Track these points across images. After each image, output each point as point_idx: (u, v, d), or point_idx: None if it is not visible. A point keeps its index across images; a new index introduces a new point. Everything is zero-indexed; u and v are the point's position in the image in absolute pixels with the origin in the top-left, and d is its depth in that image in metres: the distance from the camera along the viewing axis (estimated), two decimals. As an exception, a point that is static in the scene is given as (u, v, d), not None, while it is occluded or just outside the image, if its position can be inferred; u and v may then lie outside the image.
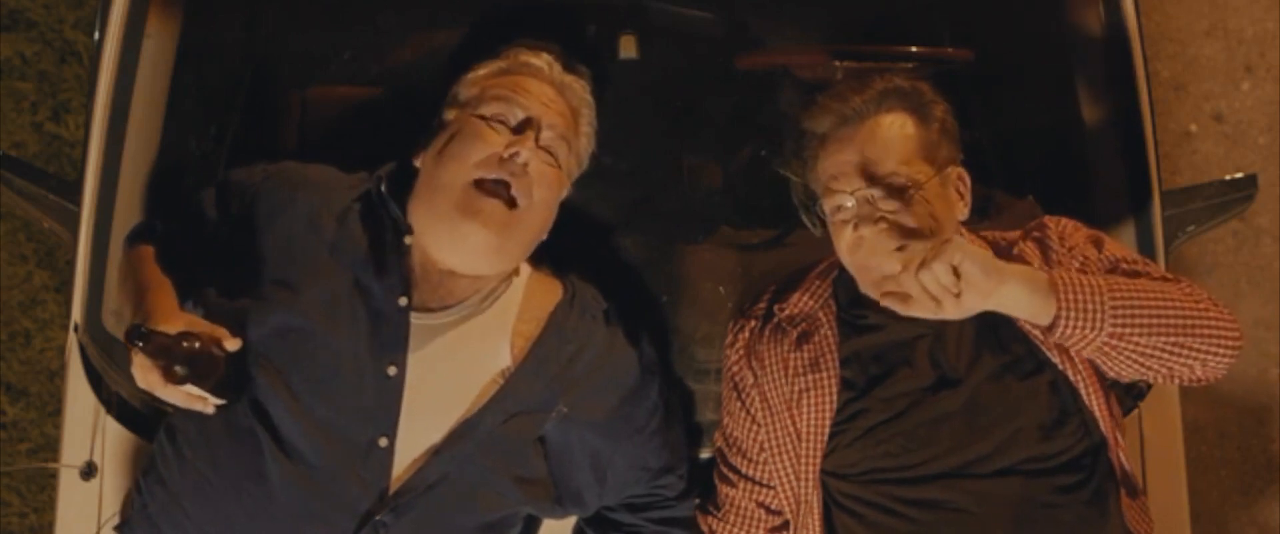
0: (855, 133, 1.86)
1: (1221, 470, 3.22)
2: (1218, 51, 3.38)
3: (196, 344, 1.66)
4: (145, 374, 1.67)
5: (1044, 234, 1.93)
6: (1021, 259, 1.91)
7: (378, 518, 1.80)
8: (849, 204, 1.85)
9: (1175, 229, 2.21)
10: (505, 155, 1.80)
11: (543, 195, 1.85)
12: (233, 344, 1.72)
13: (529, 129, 1.84)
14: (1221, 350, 1.76)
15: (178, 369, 1.64)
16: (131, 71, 2.10)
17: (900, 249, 1.80)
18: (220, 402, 1.73)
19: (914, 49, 2.16)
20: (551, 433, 1.91)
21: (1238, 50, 3.39)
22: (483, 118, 1.85)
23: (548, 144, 1.86)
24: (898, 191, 1.83)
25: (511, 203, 1.81)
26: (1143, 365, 1.76)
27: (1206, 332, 1.75)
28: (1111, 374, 1.84)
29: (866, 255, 1.83)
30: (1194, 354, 1.75)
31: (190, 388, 1.68)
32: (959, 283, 1.68)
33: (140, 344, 1.63)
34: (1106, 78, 2.16)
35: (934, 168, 1.86)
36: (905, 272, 1.71)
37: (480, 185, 1.80)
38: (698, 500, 2.08)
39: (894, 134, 1.86)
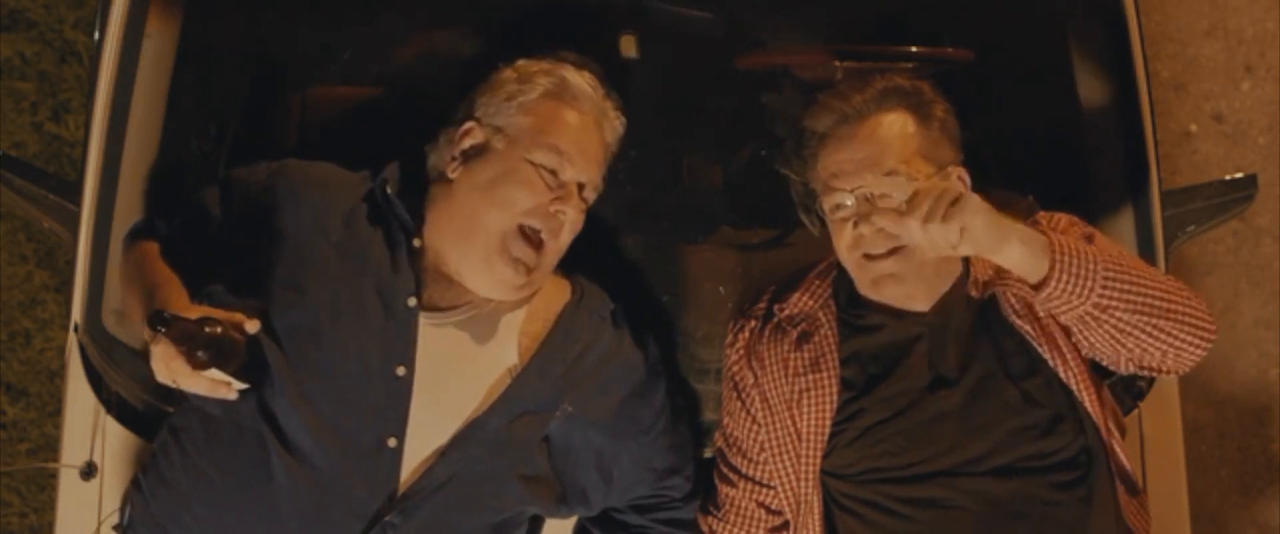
0: (855, 131, 1.87)
1: (1221, 470, 3.22)
2: (1218, 51, 3.38)
3: (218, 329, 1.67)
4: (168, 363, 1.66)
5: (1036, 228, 1.93)
6: None
7: (386, 519, 1.80)
8: (849, 202, 1.85)
9: (1175, 229, 2.21)
10: (552, 210, 1.83)
11: (568, 236, 1.89)
12: (253, 326, 1.72)
13: (574, 186, 1.86)
14: (1196, 342, 1.78)
15: (201, 354, 1.65)
16: (131, 71, 2.10)
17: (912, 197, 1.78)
18: (243, 386, 1.73)
19: (914, 49, 2.16)
20: (557, 432, 1.91)
21: (1238, 50, 3.39)
22: (534, 165, 1.85)
23: (586, 196, 1.89)
24: (898, 190, 1.83)
25: (541, 246, 1.85)
26: (1118, 342, 1.78)
27: (1186, 320, 1.77)
28: (1085, 347, 1.85)
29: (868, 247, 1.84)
30: (1169, 340, 1.76)
31: (214, 373, 1.68)
32: (963, 239, 1.69)
33: (163, 329, 1.63)
34: (1106, 77, 2.16)
35: (934, 167, 1.86)
36: (911, 216, 1.70)
37: (520, 232, 1.83)
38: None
39: (894, 133, 1.86)
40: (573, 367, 1.90)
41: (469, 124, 1.90)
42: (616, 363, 1.95)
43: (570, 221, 1.86)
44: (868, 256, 1.86)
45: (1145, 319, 1.74)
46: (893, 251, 1.84)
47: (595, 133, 1.90)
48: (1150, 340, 1.77)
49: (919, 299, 1.90)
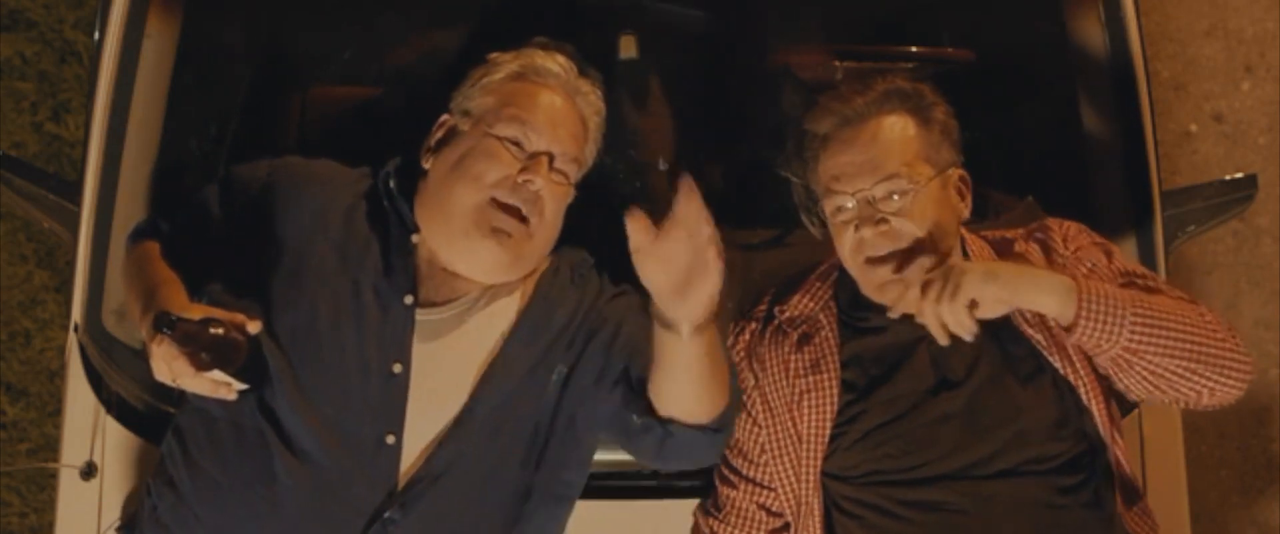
0: (857, 134, 1.87)
1: (1221, 470, 3.22)
2: (1218, 51, 3.38)
3: (220, 330, 1.68)
4: (170, 364, 1.67)
5: (1047, 235, 1.93)
6: (1023, 259, 1.91)
7: (386, 515, 1.80)
8: (850, 205, 1.85)
9: (1175, 229, 2.21)
10: (519, 181, 1.82)
11: (553, 212, 1.87)
12: (254, 327, 1.72)
13: (542, 156, 1.84)
14: (1233, 382, 1.77)
15: (204, 355, 1.66)
16: (131, 71, 2.10)
17: (897, 269, 1.81)
18: (243, 386, 1.74)
19: (914, 49, 2.16)
20: (556, 409, 1.88)
21: (1238, 50, 3.39)
22: (497, 138, 1.84)
23: (560, 167, 1.87)
24: (899, 193, 1.83)
25: (524, 220, 1.83)
26: (1153, 385, 1.77)
27: (1221, 361, 1.75)
28: (1121, 389, 1.84)
29: (870, 253, 1.84)
30: (1204, 381, 1.75)
31: (216, 374, 1.68)
32: (977, 310, 1.70)
33: (168, 332, 1.64)
34: (1106, 78, 2.16)
35: (935, 169, 1.86)
36: (923, 301, 1.71)
37: (494, 205, 1.81)
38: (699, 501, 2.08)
39: (896, 135, 1.86)
40: (561, 332, 1.88)
41: (442, 117, 1.92)
42: (598, 310, 1.91)
43: (548, 195, 1.84)
44: (871, 261, 1.86)
45: (1179, 363, 1.73)
46: (892, 255, 1.84)
47: (566, 106, 1.89)
48: (1184, 383, 1.75)
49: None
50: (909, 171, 1.84)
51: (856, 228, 1.84)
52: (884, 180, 1.83)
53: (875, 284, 1.87)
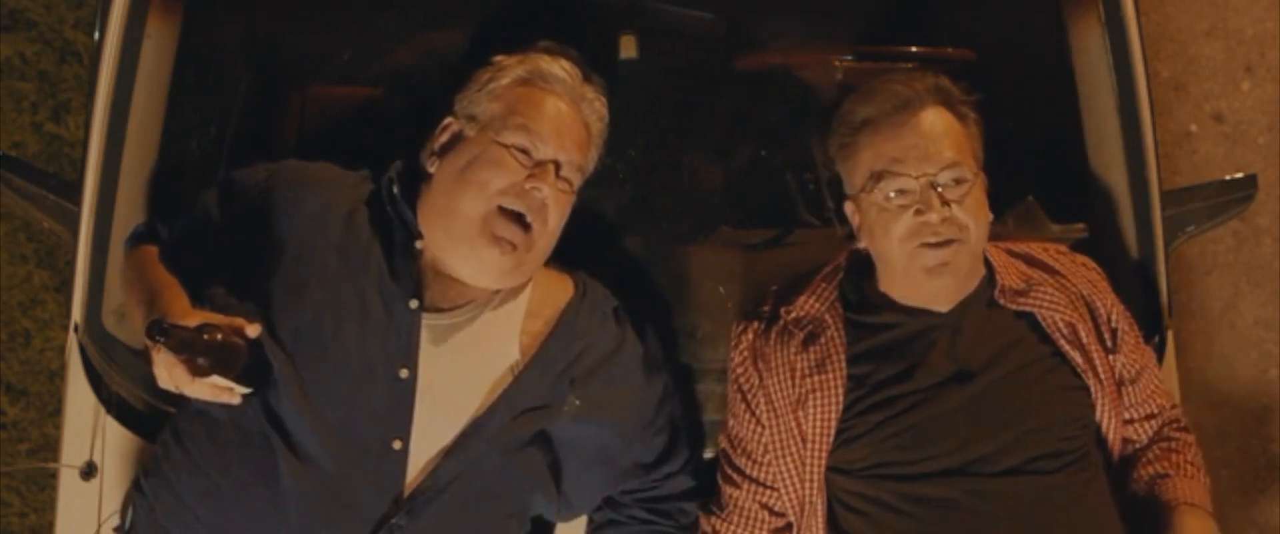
0: (913, 119, 1.86)
1: (1221, 470, 3.22)
2: (1218, 51, 3.38)
3: (218, 335, 1.66)
4: (170, 371, 1.66)
5: (1094, 300, 1.96)
6: (1062, 289, 1.94)
7: (392, 521, 1.80)
8: (911, 188, 1.84)
9: (1175, 229, 2.21)
10: (527, 188, 1.82)
11: (556, 219, 1.87)
12: (253, 330, 1.71)
13: (549, 165, 1.85)
14: None
15: (201, 361, 1.64)
16: (131, 71, 2.10)
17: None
18: (246, 390, 1.73)
19: (914, 49, 2.16)
20: (565, 431, 1.91)
21: (1238, 50, 3.38)
22: (503, 146, 1.84)
23: (565, 175, 1.87)
24: (960, 180, 1.83)
25: (527, 227, 1.83)
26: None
27: None
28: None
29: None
30: None
31: (216, 379, 1.67)
32: None
33: (162, 339, 1.61)
34: (1106, 78, 2.16)
35: (976, 163, 1.88)
36: None
37: (500, 213, 1.82)
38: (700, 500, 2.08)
39: (947, 126, 1.87)
40: (574, 364, 1.90)
41: (447, 119, 1.91)
42: (619, 359, 1.95)
43: (553, 203, 1.85)
44: (924, 246, 1.85)
45: None
46: (950, 241, 1.84)
47: (572, 114, 1.89)
48: None
49: (946, 298, 1.90)
50: (966, 162, 1.84)
51: (917, 211, 1.83)
52: (949, 167, 1.84)
53: (924, 268, 1.86)
